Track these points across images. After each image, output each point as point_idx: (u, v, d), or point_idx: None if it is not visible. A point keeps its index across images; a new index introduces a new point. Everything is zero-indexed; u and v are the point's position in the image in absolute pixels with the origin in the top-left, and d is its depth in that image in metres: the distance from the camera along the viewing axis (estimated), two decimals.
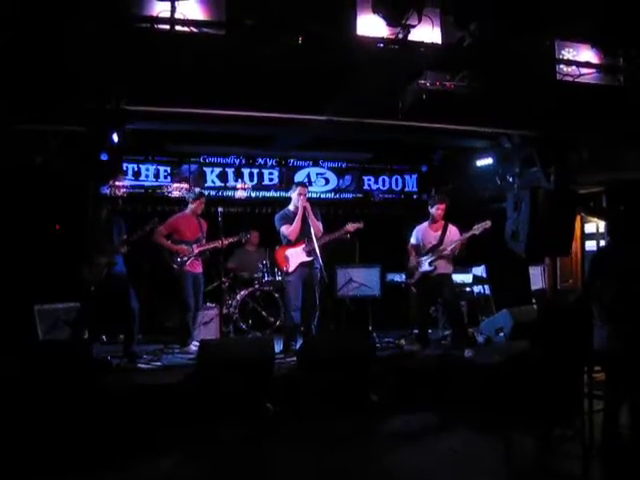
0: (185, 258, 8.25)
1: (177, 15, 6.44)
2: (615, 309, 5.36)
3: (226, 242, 8.30)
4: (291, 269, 8.00)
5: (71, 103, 7.07)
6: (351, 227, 8.39)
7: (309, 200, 8.13)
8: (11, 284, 7.89)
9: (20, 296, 7.92)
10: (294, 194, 8.13)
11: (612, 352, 5.29)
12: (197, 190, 9.14)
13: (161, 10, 6.44)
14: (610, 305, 5.40)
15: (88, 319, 7.63)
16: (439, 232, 8.40)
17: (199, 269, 8.48)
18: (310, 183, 10.98)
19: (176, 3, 6.37)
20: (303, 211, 7.92)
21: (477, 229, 8.16)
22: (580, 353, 5.38)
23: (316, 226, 7.95)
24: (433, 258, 8.26)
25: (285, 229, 7.99)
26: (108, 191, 9.83)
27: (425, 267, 8.33)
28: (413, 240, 8.65)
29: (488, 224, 8.15)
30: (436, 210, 8.43)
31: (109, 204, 7.81)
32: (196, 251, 8.31)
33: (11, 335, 7.23)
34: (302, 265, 7.98)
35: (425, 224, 8.60)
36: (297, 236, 7.97)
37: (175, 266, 8.23)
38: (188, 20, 6.54)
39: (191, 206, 8.52)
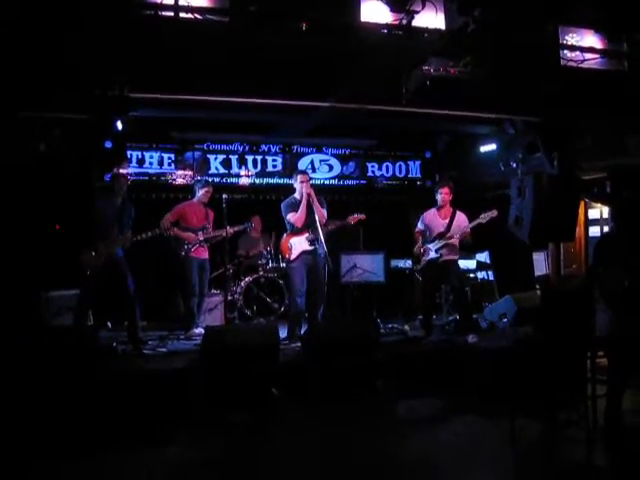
0: (191, 245, 8.30)
1: (181, 2, 6.44)
2: (618, 295, 5.37)
3: (231, 231, 8.34)
4: (293, 257, 8.04)
5: (75, 90, 7.07)
6: (353, 219, 8.51)
7: (312, 187, 8.14)
8: (18, 271, 7.91)
9: (27, 283, 7.94)
10: (296, 183, 8.14)
11: (615, 337, 5.32)
12: (204, 179, 9.16)
13: None
14: (613, 291, 5.41)
15: (88, 305, 7.65)
16: (447, 219, 8.40)
17: (205, 255, 8.55)
18: (314, 170, 10.99)
19: None
20: (308, 198, 7.94)
21: (484, 218, 8.18)
22: (583, 338, 5.40)
23: (320, 213, 7.97)
24: (440, 245, 8.28)
25: (291, 217, 8.02)
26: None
27: (432, 254, 8.34)
28: (420, 225, 8.67)
29: (495, 213, 8.16)
30: (440, 195, 8.44)
31: (124, 193, 7.80)
32: (202, 238, 8.37)
33: (18, 321, 7.26)
34: (305, 253, 8.01)
35: (433, 210, 8.60)
36: (303, 223, 7.99)
37: (181, 252, 8.28)
38: (192, 7, 6.54)
39: (198, 194, 8.59)
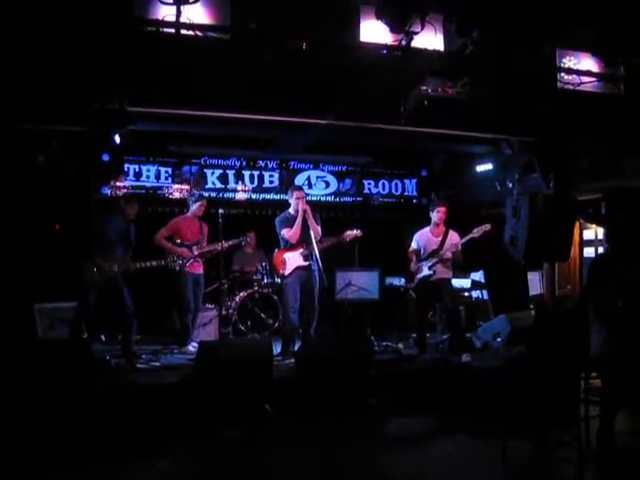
0: (185, 260, 8.29)
1: (182, 19, 6.48)
2: (613, 316, 5.39)
3: (226, 245, 8.33)
4: (287, 272, 8.04)
5: (74, 103, 7.11)
6: (349, 235, 8.49)
7: (308, 203, 8.16)
8: (11, 283, 7.90)
9: (20, 295, 7.93)
10: (291, 199, 8.15)
11: (608, 358, 5.33)
12: (198, 193, 9.18)
13: (167, 14, 6.49)
14: (608, 312, 5.43)
15: (86, 318, 7.63)
16: (440, 237, 8.44)
17: (199, 270, 8.52)
18: (310, 186, 11.02)
19: (182, 7, 6.41)
20: (303, 214, 7.95)
21: (476, 232, 8.24)
22: (577, 359, 5.41)
23: (315, 230, 7.98)
24: (432, 262, 8.32)
25: (286, 232, 8.02)
26: (109, 192, 9.83)
27: (425, 272, 8.39)
28: (414, 245, 8.69)
29: (488, 227, 8.22)
30: (437, 213, 8.48)
31: (131, 221, 7.82)
32: (196, 253, 8.35)
33: (10, 334, 7.24)
34: (299, 269, 8.01)
35: (426, 229, 8.65)
36: (298, 239, 8.00)
37: (176, 267, 8.27)
38: (193, 24, 6.58)
39: (192, 208, 8.56)
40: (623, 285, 5.37)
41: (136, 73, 6.78)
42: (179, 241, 8.37)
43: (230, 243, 8.57)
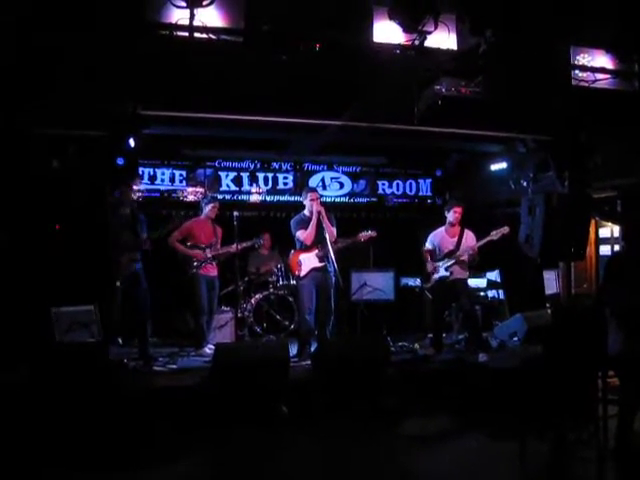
0: (199, 263, 8.31)
1: (196, 22, 6.50)
2: (630, 314, 5.36)
3: (240, 247, 8.38)
4: (303, 274, 8.06)
5: (89, 108, 7.14)
6: (363, 236, 8.49)
7: (323, 204, 8.17)
8: (28, 287, 7.94)
9: (37, 299, 7.97)
10: (306, 200, 8.17)
11: (626, 356, 5.30)
12: (210, 195, 9.21)
13: (180, 17, 6.51)
14: (624, 310, 5.41)
15: (112, 319, 7.68)
16: (456, 237, 8.46)
17: (214, 272, 8.54)
18: (324, 187, 11.01)
19: (195, 10, 6.43)
20: (318, 215, 7.96)
21: (495, 235, 8.24)
22: (594, 357, 5.39)
23: (330, 231, 7.98)
24: (450, 263, 8.32)
25: (301, 234, 8.04)
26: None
27: (441, 272, 8.40)
28: (429, 245, 8.70)
29: (506, 230, 8.21)
30: (453, 214, 8.49)
31: (132, 203, 7.89)
32: (209, 255, 8.37)
33: (28, 337, 7.29)
34: (314, 270, 8.03)
35: (442, 229, 8.65)
36: (313, 240, 8.01)
37: (190, 270, 8.30)
38: (207, 27, 6.60)
39: (205, 211, 8.60)
40: (638, 283, 5.35)
41: (150, 77, 6.81)
42: (193, 243, 8.40)
43: (244, 245, 8.62)
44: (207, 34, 6.59)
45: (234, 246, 8.28)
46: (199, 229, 8.52)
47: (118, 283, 7.51)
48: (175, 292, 9.33)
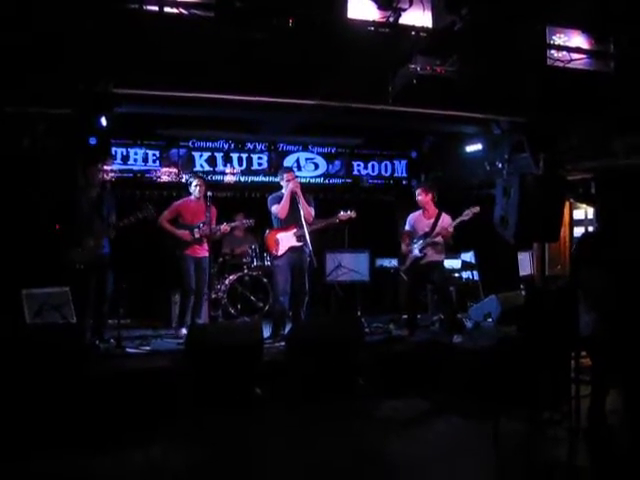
0: (186, 243, 8.24)
1: None
2: (601, 295, 5.37)
3: (227, 227, 8.46)
4: (280, 253, 7.99)
5: (59, 86, 7.03)
6: (343, 216, 8.45)
7: (300, 185, 8.12)
8: None
9: (7, 280, 7.86)
10: (283, 181, 8.11)
11: (598, 337, 5.32)
12: (190, 174, 9.14)
13: None
14: (596, 291, 5.42)
15: (85, 300, 7.59)
16: (432, 220, 8.46)
17: (202, 253, 8.37)
18: (299, 168, 10.93)
19: None
20: (291, 192, 7.90)
21: (466, 215, 8.25)
22: (567, 338, 5.40)
23: (307, 211, 7.93)
24: (424, 244, 8.33)
25: (275, 208, 7.99)
26: None
27: (415, 253, 8.42)
28: (407, 227, 8.75)
29: (477, 209, 8.21)
30: (417, 196, 8.57)
31: (99, 186, 7.76)
32: (197, 236, 8.25)
33: None
34: (291, 250, 7.98)
35: (419, 212, 8.69)
36: (287, 215, 7.95)
37: (176, 250, 8.22)
38: (177, 1, 6.48)
39: (191, 189, 8.46)
40: (612, 264, 5.35)
41: (121, 53, 6.70)
42: (182, 223, 8.32)
43: (232, 225, 8.66)
44: (177, 8, 6.46)
45: (224, 226, 8.29)
46: (188, 209, 8.38)
47: (82, 266, 7.39)
48: (156, 272, 9.28)
